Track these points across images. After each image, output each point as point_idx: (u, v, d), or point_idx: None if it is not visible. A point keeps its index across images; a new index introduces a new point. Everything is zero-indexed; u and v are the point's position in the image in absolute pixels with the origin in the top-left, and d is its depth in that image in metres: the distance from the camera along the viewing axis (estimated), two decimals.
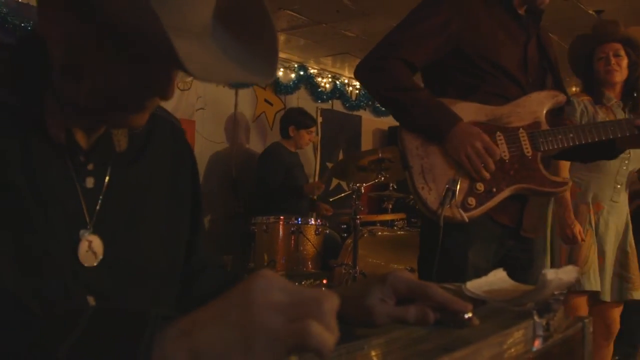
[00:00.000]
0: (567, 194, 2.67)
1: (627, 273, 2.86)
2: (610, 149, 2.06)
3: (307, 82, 6.10)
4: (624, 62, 2.79)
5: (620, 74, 2.79)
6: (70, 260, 0.80)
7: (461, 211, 1.82)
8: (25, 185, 0.76)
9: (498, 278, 1.01)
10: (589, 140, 1.93)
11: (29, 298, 0.72)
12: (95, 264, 0.82)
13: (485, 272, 1.95)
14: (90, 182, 0.84)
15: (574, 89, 3.26)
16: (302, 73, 6.00)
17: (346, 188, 5.45)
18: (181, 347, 0.53)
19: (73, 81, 0.76)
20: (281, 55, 5.82)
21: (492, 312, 0.91)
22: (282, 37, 5.39)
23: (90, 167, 0.84)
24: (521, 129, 1.90)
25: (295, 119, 4.94)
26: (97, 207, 0.84)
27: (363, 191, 4.11)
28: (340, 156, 6.35)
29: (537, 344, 0.82)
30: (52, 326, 0.56)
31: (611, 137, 1.94)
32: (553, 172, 2.09)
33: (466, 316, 0.77)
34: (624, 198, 2.89)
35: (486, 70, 1.93)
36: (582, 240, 2.68)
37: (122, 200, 0.88)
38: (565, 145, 1.92)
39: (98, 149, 0.85)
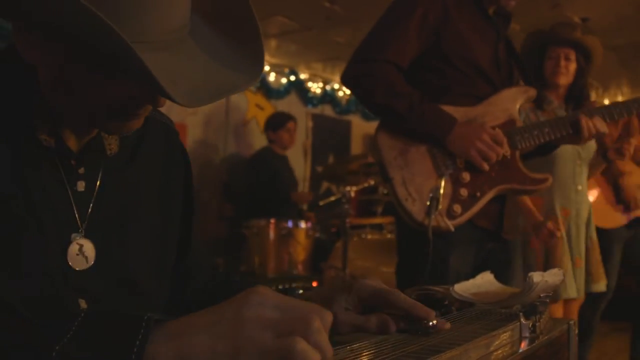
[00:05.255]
0: (527, 202, 2.69)
1: (589, 266, 2.93)
2: (545, 147, 2.06)
3: (298, 87, 6.11)
4: (573, 66, 2.82)
5: (566, 77, 2.81)
6: (61, 264, 0.79)
7: (447, 220, 1.79)
8: (16, 191, 0.75)
9: (485, 280, 1.02)
10: (564, 133, 1.93)
11: (19, 302, 0.72)
12: (85, 268, 0.82)
13: (466, 276, 1.97)
14: (81, 186, 0.83)
15: None
16: (292, 78, 6.01)
17: (336, 192, 5.46)
18: (170, 350, 0.54)
19: (64, 95, 0.76)
20: (272, 60, 5.83)
21: (479, 314, 0.93)
22: (273, 43, 5.39)
23: (81, 170, 0.83)
24: (497, 128, 1.88)
25: (270, 122, 4.98)
26: (89, 211, 0.84)
27: (353, 195, 4.13)
28: (331, 160, 6.37)
29: (524, 346, 0.84)
30: (46, 328, 0.56)
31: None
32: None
33: (430, 323, 0.74)
34: (585, 198, 2.94)
35: (459, 69, 1.91)
36: (559, 232, 2.70)
37: (113, 203, 0.87)
38: (542, 140, 1.91)
39: (89, 152, 0.84)
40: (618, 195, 3.29)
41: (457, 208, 1.82)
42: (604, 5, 4.27)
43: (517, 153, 1.89)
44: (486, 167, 1.83)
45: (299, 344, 0.54)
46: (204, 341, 0.54)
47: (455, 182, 1.84)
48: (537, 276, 0.92)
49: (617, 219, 3.52)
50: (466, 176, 1.85)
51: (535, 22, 4.57)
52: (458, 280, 1.89)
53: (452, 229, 1.80)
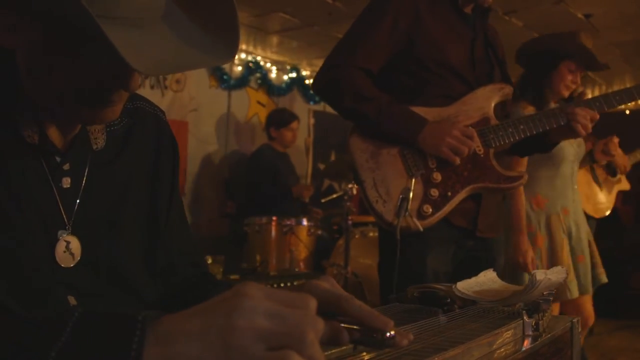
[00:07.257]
0: (523, 218, 2.67)
1: (594, 259, 2.96)
2: (544, 143, 2.06)
3: (300, 84, 6.10)
4: (580, 77, 2.79)
5: (572, 89, 2.82)
6: (48, 261, 0.79)
7: (416, 221, 1.80)
8: (0, 188, 0.75)
9: (488, 278, 1.01)
10: (540, 130, 1.91)
11: (8, 299, 0.72)
12: (72, 265, 0.82)
13: (445, 275, 1.98)
14: (66, 182, 0.83)
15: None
16: (294, 75, 6.00)
17: (338, 189, 5.45)
18: (156, 357, 0.52)
19: (39, 83, 0.76)
20: (274, 57, 5.82)
21: (482, 312, 0.92)
22: (274, 39, 5.38)
23: (66, 167, 0.83)
24: (470, 127, 1.86)
25: (273, 120, 4.95)
26: (76, 208, 0.83)
27: (355, 192, 4.12)
28: (332, 157, 6.36)
29: (527, 344, 0.83)
30: (38, 330, 0.55)
31: (561, 124, 1.92)
32: (507, 168, 2.04)
33: (387, 334, 0.65)
34: (579, 196, 3.01)
35: (433, 71, 1.90)
36: (534, 269, 2.65)
37: (101, 199, 0.87)
38: (517, 138, 1.89)
39: (74, 148, 0.84)
40: (608, 166, 3.32)
41: (428, 208, 1.82)
42: (607, 1, 4.25)
43: (491, 151, 1.87)
44: (458, 161, 1.82)
45: (293, 358, 0.52)
46: (193, 351, 0.52)
47: (427, 183, 1.84)
48: (540, 274, 0.91)
49: (603, 209, 3.57)
50: (437, 176, 1.84)
51: (538, 19, 4.56)
52: (436, 280, 1.89)
53: (421, 229, 1.80)
